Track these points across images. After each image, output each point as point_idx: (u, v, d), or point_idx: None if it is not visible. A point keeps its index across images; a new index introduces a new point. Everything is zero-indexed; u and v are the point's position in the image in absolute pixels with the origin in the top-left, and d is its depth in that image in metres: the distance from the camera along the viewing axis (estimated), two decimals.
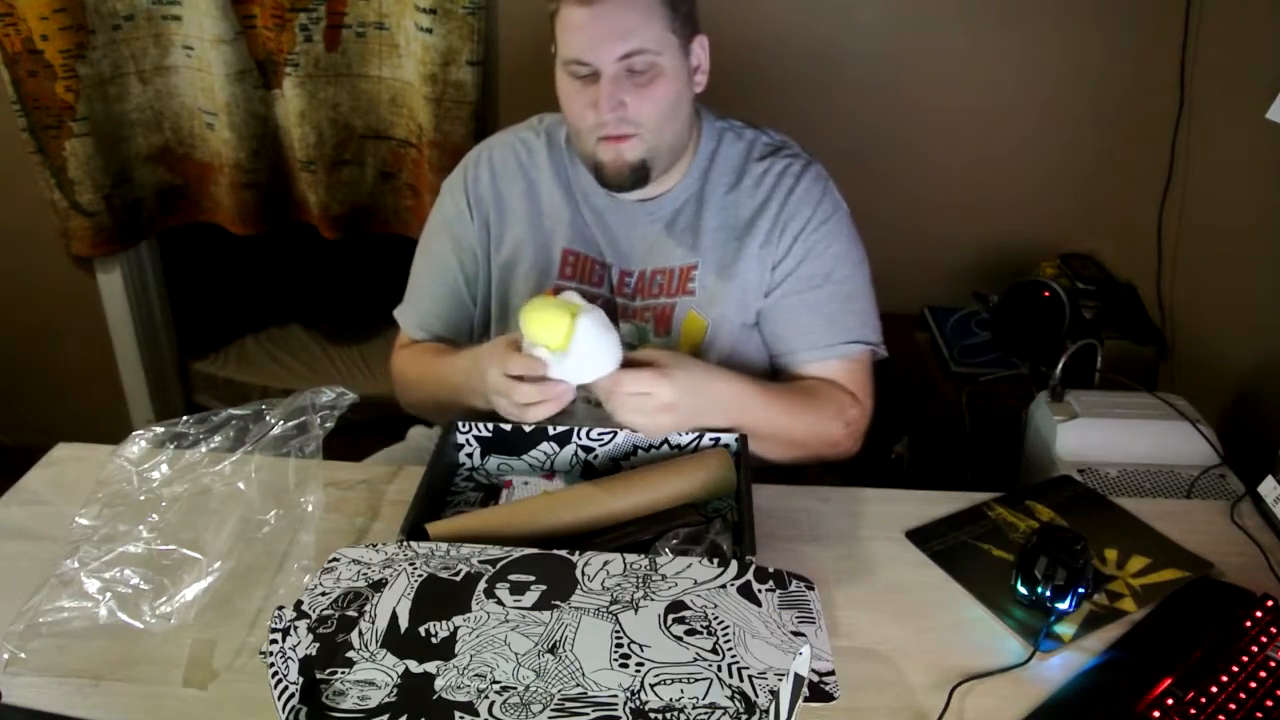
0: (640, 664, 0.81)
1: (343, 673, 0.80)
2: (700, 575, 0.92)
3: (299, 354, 2.62)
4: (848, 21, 1.95)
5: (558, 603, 0.88)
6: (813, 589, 0.91)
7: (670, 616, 0.86)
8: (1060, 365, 1.42)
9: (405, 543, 0.95)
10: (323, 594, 0.89)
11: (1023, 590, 0.97)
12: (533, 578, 0.91)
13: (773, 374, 1.25)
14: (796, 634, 0.86)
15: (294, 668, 0.79)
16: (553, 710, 0.77)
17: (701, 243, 1.21)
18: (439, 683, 0.79)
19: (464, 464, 1.15)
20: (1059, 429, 1.34)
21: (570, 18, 1.07)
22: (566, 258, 1.23)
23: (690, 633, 0.85)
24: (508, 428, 1.12)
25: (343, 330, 2.68)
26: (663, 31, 1.08)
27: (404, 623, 0.85)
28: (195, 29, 1.91)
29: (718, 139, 1.23)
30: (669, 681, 0.80)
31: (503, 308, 1.26)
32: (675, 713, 0.77)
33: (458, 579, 0.90)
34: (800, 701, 0.70)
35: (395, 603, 0.87)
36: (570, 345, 0.98)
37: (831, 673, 0.82)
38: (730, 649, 0.83)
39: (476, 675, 0.80)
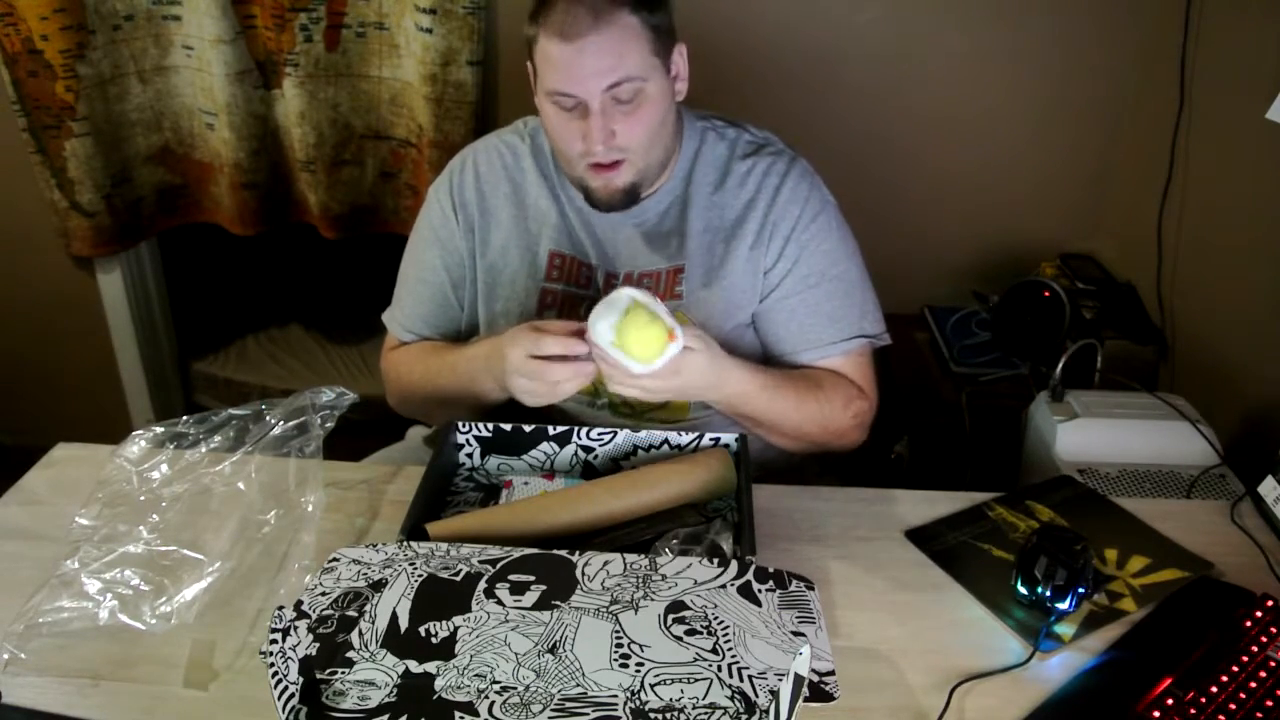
0: (640, 664, 0.81)
1: (343, 673, 0.80)
2: (700, 575, 0.92)
3: (299, 354, 2.63)
4: (847, 23, 1.95)
5: (558, 603, 0.88)
6: (813, 589, 0.91)
7: (670, 616, 0.86)
8: (1060, 365, 1.42)
9: (405, 543, 0.95)
10: (323, 594, 0.89)
11: (1023, 590, 0.97)
12: (533, 578, 0.91)
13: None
14: (796, 634, 0.86)
15: (294, 668, 0.79)
16: (553, 710, 0.77)
17: (688, 245, 1.21)
18: (439, 683, 0.79)
19: (464, 464, 1.15)
20: (1059, 429, 1.34)
21: (551, 51, 1.06)
22: (553, 260, 1.23)
23: (690, 633, 0.85)
24: (508, 428, 1.13)
25: (343, 330, 2.68)
26: (646, 57, 1.07)
27: (404, 623, 0.85)
28: (195, 29, 1.91)
29: (700, 139, 1.23)
30: (669, 681, 0.80)
31: (489, 311, 1.26)
32: (675, 713, 0.77)
33: (458, 579, 0.90)
34: (800, 701, 0.70)
35: (395, 603, 0.87)
36: (655, 361, 0.99)
37: (831, 673, 0.82)
38: (730, 649, 0.83)
39: (476, 675, 0.80)
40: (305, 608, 0.87)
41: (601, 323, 1.00)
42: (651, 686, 0.79)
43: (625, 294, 1.01)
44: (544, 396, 1.06)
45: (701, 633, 0.85)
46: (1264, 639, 0.91)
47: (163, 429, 1.08)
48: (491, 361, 1.12)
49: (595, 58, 1.04)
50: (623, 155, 1.11)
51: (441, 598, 0.88)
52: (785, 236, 1.19)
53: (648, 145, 1.12)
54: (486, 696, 0.78)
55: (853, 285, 1.23)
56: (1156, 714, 0.84)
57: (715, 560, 0.94)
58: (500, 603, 0.88)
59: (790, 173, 1.21)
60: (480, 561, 0.92)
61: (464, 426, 1.13)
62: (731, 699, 0.78)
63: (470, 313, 1.29)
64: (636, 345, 0.99)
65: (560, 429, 1.12)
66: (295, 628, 0.84)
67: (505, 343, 1.07)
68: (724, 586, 0.90)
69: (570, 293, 1.23)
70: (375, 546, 0.95)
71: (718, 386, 1.10)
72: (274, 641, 0.80)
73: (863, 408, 1.22)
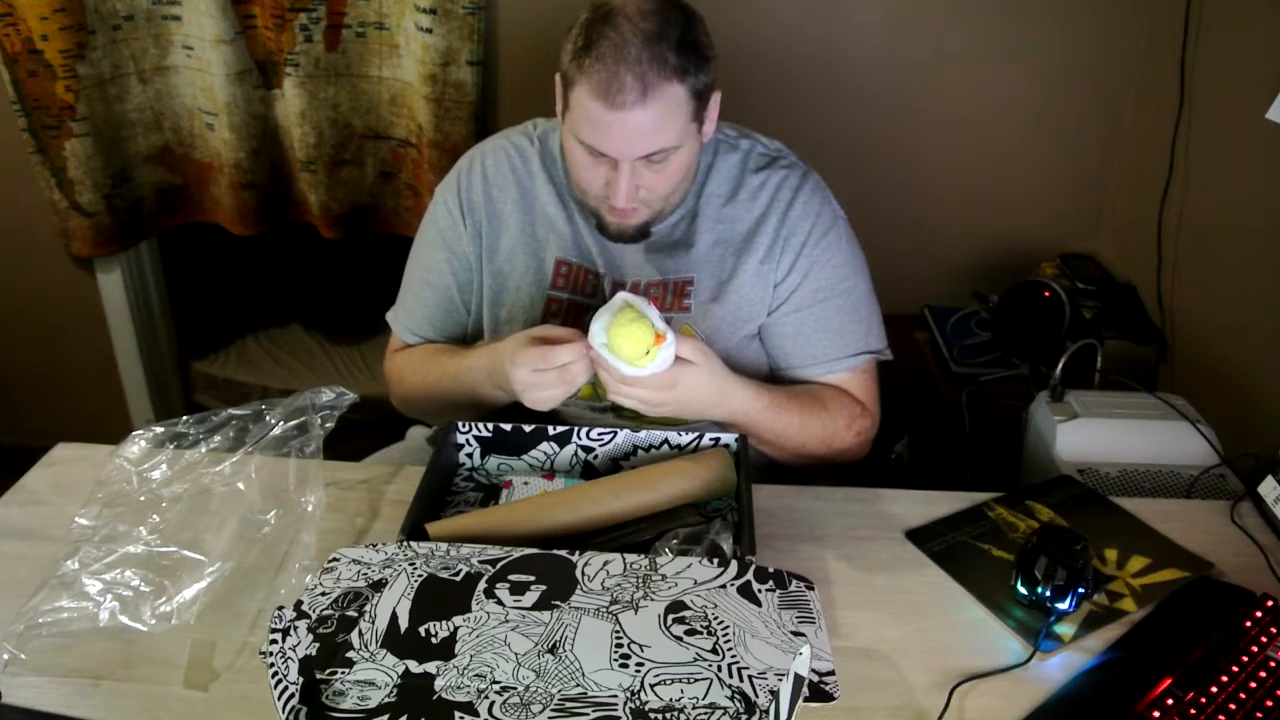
0: (640, 664, 0.81)
1: (343, 673, 0.80)
2: (700, 575, 0.92)
3: (299, 354, 2.62)
4: (847, 23, 1.95)
5: (558, 603, 0.88)
6: (813, 589, 0.91)
7: (670, 616, 0.86)
8: (1060, 365, 1.42)
9: (405, 543, 0.95)
10: (323, 594, 0.89)
11: (1023, 590, 0.97)
12: (533, 578, 0.91)
13: (773, 380, 1.24)
14: (796, 634, 0.86)
15: (294, 668, 0.79)
16: (553, 710, 0.77)
17: (697, 257, 1.20)
18: (439, 683, 0.79)
19: (464, 464, 1.15)
20: (1059, 429, 1.34)
21: (590, 109, 1.03)
22: (559, 268, 1.23)
23: (690, 633, 0.85)
24: (508, 428, 1.13)
25: (343, 330, 2.68)
26: (685, 124, 1.06)
27: (404, 623, 0.85)
28: (195, 29, 1.91)
29: (712, 152, 1.22)
30: (669, 681, 0.80)
31: (494, 317, 1.26)
32: (675, 713, 0.77)
33: (458, 579, 0.90)
34: (800, 701, 0.70)
35: (395, 603, 0.87)
36: (644, 365, 1.00)
37: (831, 673, 0.82)
38: (730, 649, 0.83)
39: (476, 675, 0.80)
40: (305, 608, 0.87)
41: (595, 324, 1.01)
42: (651, 686, 0.79)
43: (619, 297, 1.02)
44: (561, 397, 1.06)
45: (701, 633, 0.85)
46: (1264, 639, 0.91)
47: (163, 429, 1.08)
48: (494, 375, 1.12)
49: (636, 130, 1.03)
50: (642, 203, 1.11)
51: (441, 598, 0.88)
52: (796, 251, 1.19)
53: (669, 194, 1.13)
54: (486, 696, 0.78)
55: (860, 300, 1.23)
56: (1156, 714, 0.84)
57: (715, 560, 0.94)
58: (500, 603, 0.88)
59: (803, 187, 1.21)
60: (480, 561, 0.92)
61: (464, 426, 1.13)
62: (731, 699, 0.78)
63: (476, 316, 1.28)
64: (621, 343, 0.99)
65: (560, 429, 1.12)
66: (295, 628, 0.84)
67: (506, 362, 1.06)
68: (724, 586, 0.90)
69: (576, 301, 1.23)
70: (375, 546, 0.95)
71: (719, 404, 1.10)
72: (274, 641, 0.80)
73: (866, 425, 1.22)
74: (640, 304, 1.01)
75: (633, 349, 0.99)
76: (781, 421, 1.15)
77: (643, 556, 0.94)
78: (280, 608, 0.83)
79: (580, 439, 1.13)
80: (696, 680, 0.80)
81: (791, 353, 1.22)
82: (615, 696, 0.78)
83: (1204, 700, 0.85)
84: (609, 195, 1.09)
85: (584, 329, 1.04)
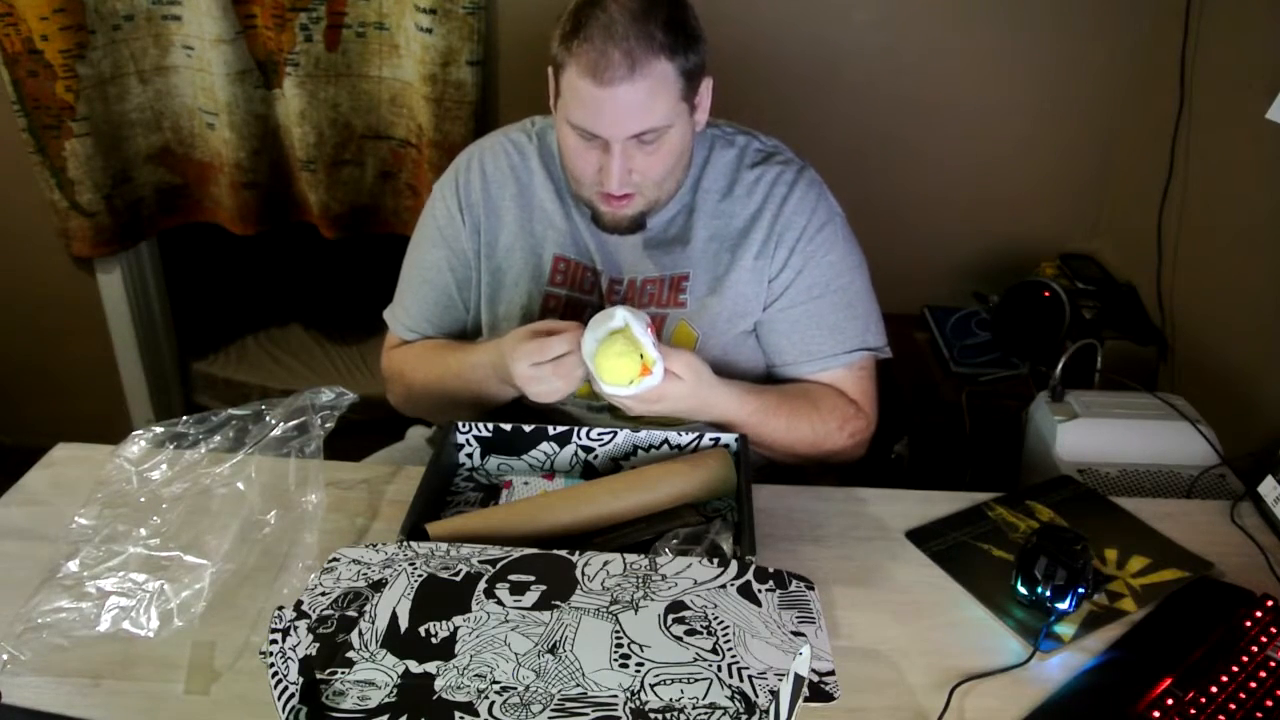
0: (640, 664, 0.81)
1: (343, 673, 0.80)
2: (700, 575, 0.92)
3: (299, 354, 2.62)
4: (847, 22, 1.95)
5: (558, 603, 0.88)
6: (813, 589, 0.91)
7: (670, 616, 0.86)
8: (1060, 365, 1.42)
9: (405, 543, 0.95)
10: (323, 594, 0.89)
11: (1023, 590, 0.97)
12: (533, 578, 0.91)
13: (769, 379, 1.25)
14: (796, 634, 0.86)
15: (294, 668, 0.79)
16: (553, 710, 0.77)
17: (693, 253, 1.20)
18: (439, 683, 0.79)
19: (464, 464, 1.15)
20: (1059, 429, 1.34)
21: (580, 89, 1.04)
22: (557, 264, 1.23)
23: (690, 633, 0.85)
24: (508, 428, 1.13)
25: (343, 330, 2.68)
26: (675, 103, 1.06)
27: (404, 623, 0.85)
28: (195, 29, 1.91)
29: (709, 147, 1.22)
30: (669, 681, 0.80)
31: (492, 313, 1.26)
32: (675, 713, 0.77)
33: (458, 579, 0.90)
34: (800, 701, 0.70)
35: (395, 603, 0.87)
36: (624, 389, 1.03)
37: (831, 673, 0.82)
38: (730, 649, 0.83)
39: (476, 675, 0.80)
40: (305, 608, 0.87)
41: (590, 334, 1.03)
42: (651, 686, 0.79)
43: (620, 315, 1.02)
44: (563, 389, 1.07)
45: (701, 633, 0.85)
46: (1264, 639, 0.91)
47: (163, 429, 1.08)
48: (499, 370, 1.12)
49: (626, 106, 1.03)
50: (636, 190, 1.11)
51: (441, 598, 0.88)
52: (790, 246, 1.19)
53: (662, 179, 1.13)
54: (486, 696, 0.78)
55: (856, 297, 1.22)
56: (1156, 714, 0.84)
57: (715, 560, 0.94)
58: (500, 603, 0.88)
59: (798, 182, 1.20)
60: (480, 561, 0.92)
61: (464, 426, 1.13)
62: (731, 699, 0.78)
63: (475, 313, 1.28)
64: (605, 371, 1.02)
65: (560, 429, 1.12)
66: (295, 628, 0.84)
67: (507, 356, 1.07)
68: (724, 586, 0.90)
69: (574, 297, 1.23)
70: (375, 546, 0.95)
71: (701, 412, 1.11)
72: (274, 641, 0.80)
73: (860, 426, 1.22)
74: (637, 328, 1.02)
75: (615, 378, 1.02)
76: (767, 426, 1.15)
77: (643, 556, 0.94)
78: (280, 608, 0.83)
79: (580, 439, 1.13)
80: (696, 680, 0.80)
81: (786, 349, 1.22)
82: (615, 696, 0.78)
83: (1204, 700, 0.85)
84: (602, 181, 1.10)
85: (584, 324, 1.05)
